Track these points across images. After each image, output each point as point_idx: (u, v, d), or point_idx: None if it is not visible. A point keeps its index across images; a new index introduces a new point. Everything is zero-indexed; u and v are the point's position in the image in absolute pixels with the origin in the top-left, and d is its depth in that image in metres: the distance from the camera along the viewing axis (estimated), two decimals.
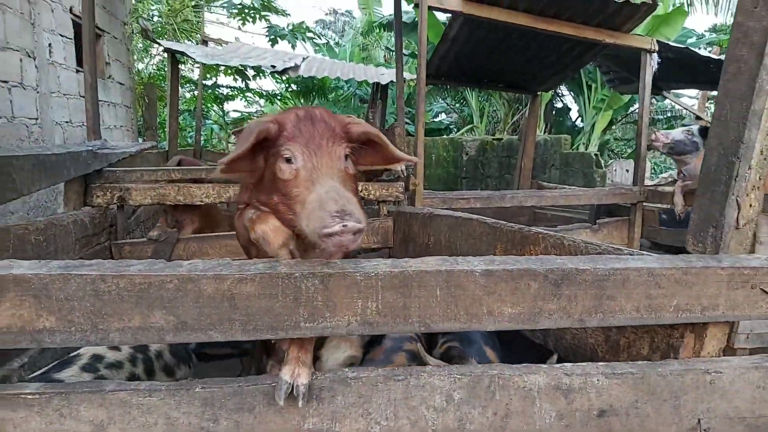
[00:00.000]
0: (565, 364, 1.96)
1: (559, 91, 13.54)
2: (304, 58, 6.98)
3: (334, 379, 1.84)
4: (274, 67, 6.11)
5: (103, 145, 3.84)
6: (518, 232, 2.92)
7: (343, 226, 1.49)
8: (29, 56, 6.69)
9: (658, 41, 4.63)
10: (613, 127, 13.73)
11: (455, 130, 14.48)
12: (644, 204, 4.58)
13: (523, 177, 6.82)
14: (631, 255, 1.97)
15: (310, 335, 1.76)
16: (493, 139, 9.03)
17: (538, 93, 6.50)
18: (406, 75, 6.54)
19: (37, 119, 6.81)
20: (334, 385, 1.83)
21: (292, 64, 6.08)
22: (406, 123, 11.64)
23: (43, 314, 1.62)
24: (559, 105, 13.66)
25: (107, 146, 3.91)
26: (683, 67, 5.47)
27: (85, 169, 3.59)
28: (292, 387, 1.76)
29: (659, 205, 5.37)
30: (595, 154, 8.38)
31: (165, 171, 4.03)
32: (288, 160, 1.75)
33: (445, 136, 10.35)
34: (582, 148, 11.67)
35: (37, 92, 6.86)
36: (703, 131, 4.11)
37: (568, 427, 1.90)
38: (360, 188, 4.83)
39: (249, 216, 1.88)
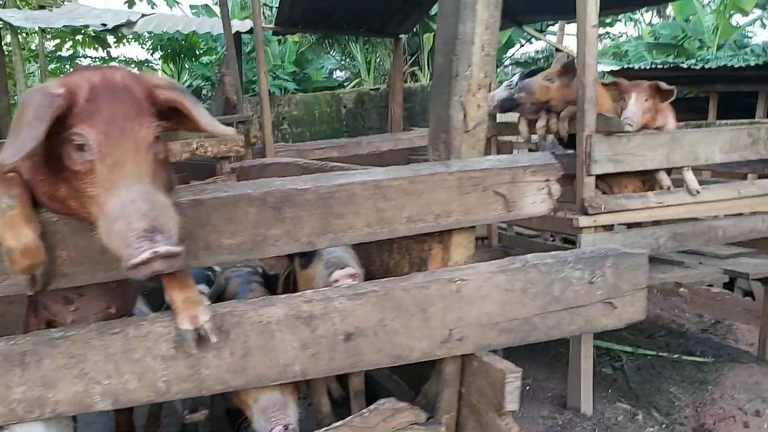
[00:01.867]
0: (305, 291, 1.86)
1: None
2: (143, 15, 6.49)
3: (37, 341, 1.66)
4: (105, 25, 5.63)
5: None
6: (327, 170, 2.80)
7: (153, 252, 1.21)
8: None
9: None
10: (498, 69, 13.89)
11: (348, 85, 14.26)
12: (498, 137, 4.58)
13: (394, 124, 6.72)
14: (358, 171, 1.87)
15: None
16: (371, 89, 8.92)
17: (401, 36, 6.37)
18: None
19: None
20: (39, 347, 1.65)
21: (125, 20, 5.63)
22: (287, 81, 11.27)
23: None
24: None
25: None
26: None
27: None
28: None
29: (512, 138, 5.44)
30: None
31: None
32: (80, 147, 1.35)
33: (327, 92, 10.09)
34: None
35: None
36: (525, 76, 4.09)
37: (315, 355, 1.81)
38: (196, 146, 4.59)
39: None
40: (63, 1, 9.41)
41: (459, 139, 1.84)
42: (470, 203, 1.82)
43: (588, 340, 3.68)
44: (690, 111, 9.28)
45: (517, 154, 1.99)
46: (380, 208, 1.78)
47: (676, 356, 4.51)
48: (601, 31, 31.39)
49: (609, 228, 3.73)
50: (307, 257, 2.03)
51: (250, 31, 5.72)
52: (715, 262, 4.13)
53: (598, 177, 3.87)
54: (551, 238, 4.92)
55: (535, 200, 1.85)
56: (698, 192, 3.73)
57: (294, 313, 1.79)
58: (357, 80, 13.45)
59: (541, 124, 4.00)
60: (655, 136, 3.63)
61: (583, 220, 3.49)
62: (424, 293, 1.86)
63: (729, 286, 6.49)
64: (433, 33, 11.64)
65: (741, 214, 4.02)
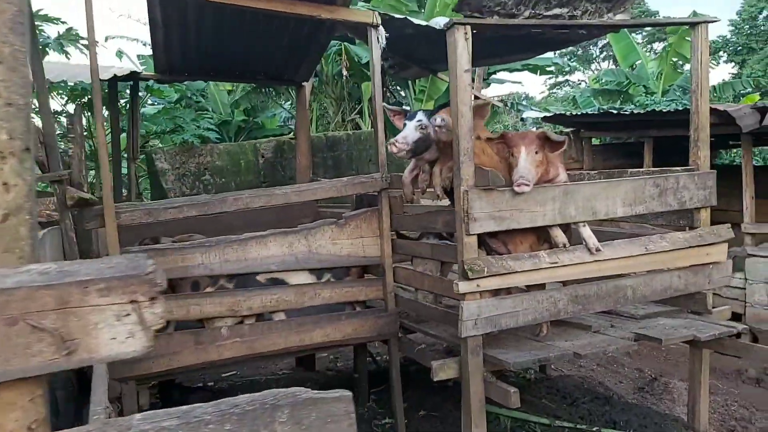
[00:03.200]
0: None
1: (391, 85, 13.38)
2: None
3: None
4: None
5: None
6: None
7: None
8: None
9: (381, 14, 4.28)
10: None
11: None
12: (390, 191, 4.21)
13: (299, 174, 6.34)
14: None
15: None
16: (290, 138, 8.57)
17: (303, 84, 6.06)
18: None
19: None
20: None
21: None
22: (211, 130, 10.64)
23: None
24: (392, 100, 13.53)
25: None
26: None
27: None
28: None
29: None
30: None
31: None
32: None
33: (242, 142, 9.63)
34: None
35: None
36: (429, 114, 3.73)
37: None
38: None
39: None
40: None
41: None
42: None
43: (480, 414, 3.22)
44: (625, 156, 9.15)
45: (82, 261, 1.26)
46: None
47: (595, 429, 4.06)
48: (561, 79, 32.18)
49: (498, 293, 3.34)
50: None
51: (129, 78, 5.36)
52: (628, 325, 3.75)
53: (491, 235, 3.51)
54: None
55: (117, 335, 1.15)
56: (598, 250, 3.37)
57: None
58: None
59: (423, 177, 3.65)
60: (544, 189, 3.28)
61: (464, 285, 3.08)
62: None
63: None
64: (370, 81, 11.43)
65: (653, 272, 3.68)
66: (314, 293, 3.91)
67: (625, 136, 10.05)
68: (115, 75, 4.54)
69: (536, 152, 3.26)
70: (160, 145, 9.94)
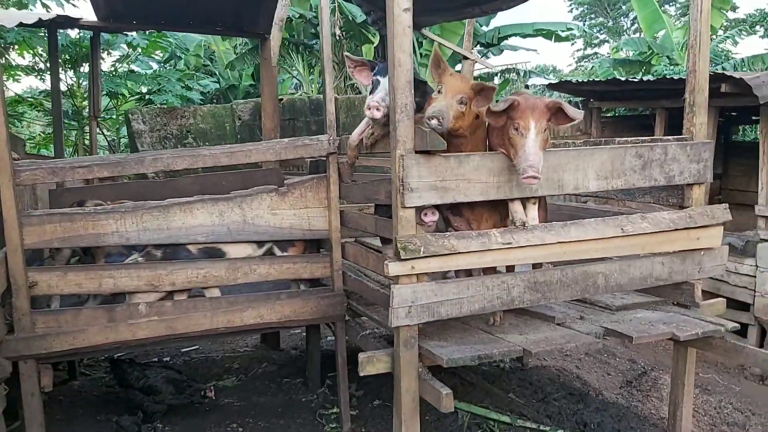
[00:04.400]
0: None
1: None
2: None
3: None
4: None
5: None
6: None
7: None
8: None
9: None
10: None
11: None
12: (339, 156, 3.75)
13: (264, 138, 5.89)
14: None
15: None
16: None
17: (266, 36, 5.53)
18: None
19: None
20: None
21: None
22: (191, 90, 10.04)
23: None
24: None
25: None
26: None
27: None
28: None
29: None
30: None
31: None
32: None
33: (226, 104, 9.10)
34: None
35: None
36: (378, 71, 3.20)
37: None
38: None
39: None
40: None
41: None
42: None
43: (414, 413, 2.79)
44: (638, 129, 8.50)
45: None
46: None
47: None
48: (589, 51, 31.06)
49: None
50: None
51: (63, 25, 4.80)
52: (601, 317, 3.27)
53: (454, 212, 3.04)
54: None
55: None
56: (525, 225, 2.83)
57: None
58: (301, 91, 12.64)
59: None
60: (497, 156, 2.78)
61: (396, 267, 2.63)
62: None
63: None
64: (373, 45, 10.87)
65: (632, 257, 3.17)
66: (249, 269, 3.50)
67: (640, 108, 9.38)
68: (40, 19, 4.07)
69: (545, 129, 2.66)
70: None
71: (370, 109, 2.91)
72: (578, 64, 31.05)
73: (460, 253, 2.71)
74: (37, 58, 8.49)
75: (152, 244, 3.43)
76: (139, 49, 8.40)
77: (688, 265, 3.28)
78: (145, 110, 7.86)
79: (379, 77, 3.00)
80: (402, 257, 2.61)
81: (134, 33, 8.01)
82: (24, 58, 8.49)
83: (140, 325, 3.24)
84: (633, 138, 3.66)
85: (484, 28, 12.75)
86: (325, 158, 3.64)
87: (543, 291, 2.95)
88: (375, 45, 10.61)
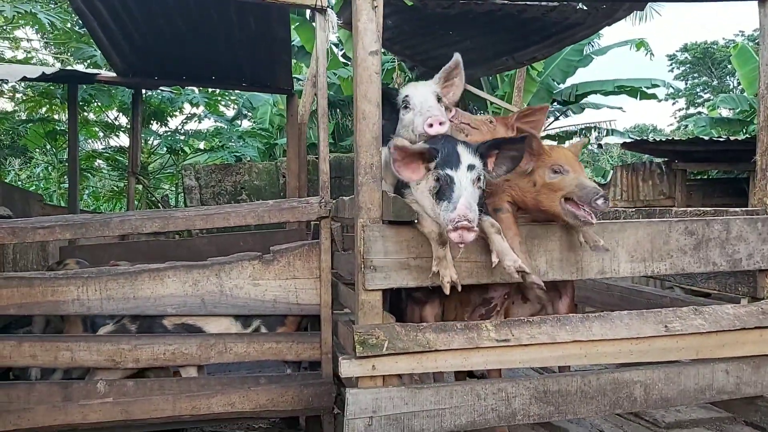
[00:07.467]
0: None
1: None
2: None
3: None
4: None
5: None
6: None
7: None
8: None
9: None
10: None
11: None
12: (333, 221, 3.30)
13: (287, 197, 5.61)
14: None
15: None
16: (315, 157, 7.92)
17: (293, 92, 5.29)
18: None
19: None
20: None
21: None
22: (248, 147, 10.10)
23: None
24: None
25: None
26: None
27: None
28: None
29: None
30: None
31: None
32: None
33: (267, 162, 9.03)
34: None
35: None
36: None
37: None
38: None
39: None
40: None
41: None
42: None
43: None
44: (731, 195, 7.48)
45: None
46: None
47: None
48: (692, 111, 29.54)
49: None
50: None
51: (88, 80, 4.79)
52: None
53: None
54: None
55: None
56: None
57: None
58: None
59: None
60: None
61: (350, 366, 2.09)
62: None
63: None
64: None
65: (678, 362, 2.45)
66: (224, 347, 3.06)
67: (735, 171, 8.35)
68: (44, 73, 3.97)
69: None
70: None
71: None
72: (679, 123, 29.51)
73: (438, 350, 2.14)
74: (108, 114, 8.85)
75: (129, 316, 3.11)
76: (202, 108, 8.55)
77: (763, 375, 2.49)
78: (199, 167, 7.88)
79: (448, 171, 2.11)
80: (359, 354, 2.08)
81: (196, 91, 8.18)
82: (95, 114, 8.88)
83: (92, 407, 2.86)
84: (692, 209, 2.96)
85: (562, 86, 12.13)
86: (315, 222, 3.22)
87: (557, 403, 2.29)
88: None
